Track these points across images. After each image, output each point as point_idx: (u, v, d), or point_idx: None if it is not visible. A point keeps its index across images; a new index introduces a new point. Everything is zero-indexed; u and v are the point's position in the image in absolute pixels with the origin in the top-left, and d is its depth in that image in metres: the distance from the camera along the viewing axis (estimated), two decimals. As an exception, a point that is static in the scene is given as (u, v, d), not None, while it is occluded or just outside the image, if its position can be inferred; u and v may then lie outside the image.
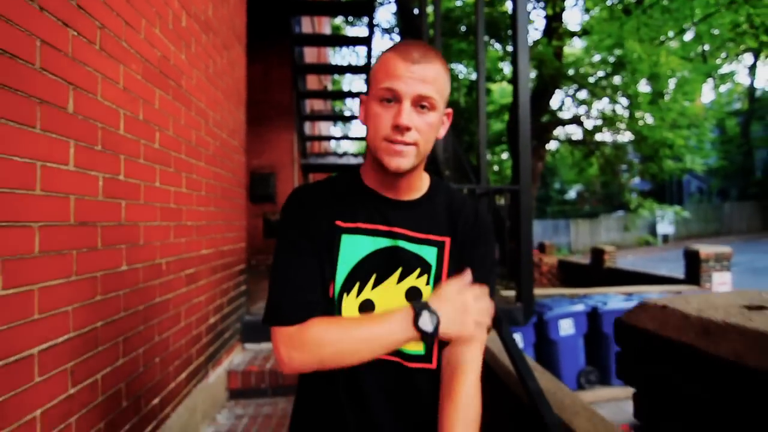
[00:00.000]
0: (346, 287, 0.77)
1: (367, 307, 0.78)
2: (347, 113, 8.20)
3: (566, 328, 5.29)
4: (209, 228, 1.97)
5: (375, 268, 0.78)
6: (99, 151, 1.17)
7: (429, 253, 0.80)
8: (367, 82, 0.75)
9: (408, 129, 0.71)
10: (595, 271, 8.56)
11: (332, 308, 0.77)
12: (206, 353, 1.94)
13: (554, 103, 10.34)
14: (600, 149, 10.29)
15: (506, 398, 1.60)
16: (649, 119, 7.51)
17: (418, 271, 0.79)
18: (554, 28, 7.69)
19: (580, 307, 5.34)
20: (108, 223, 1.21)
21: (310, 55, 5.87)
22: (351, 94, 5.16)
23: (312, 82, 6.56)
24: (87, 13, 1.11)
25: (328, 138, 6.07)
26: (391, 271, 0.78)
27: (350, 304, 0.77)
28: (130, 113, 1.33)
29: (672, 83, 7.96)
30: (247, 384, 2.17)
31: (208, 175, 1.97)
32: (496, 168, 14.96)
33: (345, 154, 5.83)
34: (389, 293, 0.78)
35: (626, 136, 9.69)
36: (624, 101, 8.35)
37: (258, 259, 4.65)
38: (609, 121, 9.29)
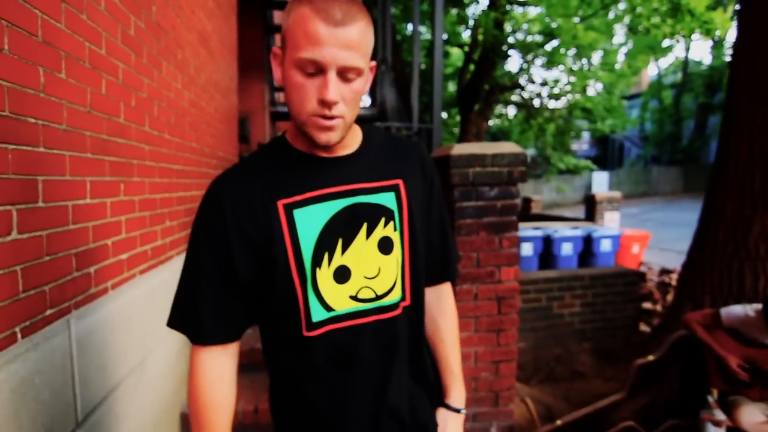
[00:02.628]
0: (316, 261, 0.74)
1: (342, 273, 0.76)
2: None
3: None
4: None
5: (339, 231, 0.75)
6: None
7: (388, 200, 0.78)
8: (282, 36, 0.71)
9: (335, 103, 0.66)
10: (524, 216, 10.08)
11: (295, 297, 0.74)
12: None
13: (512, 68, 11.42)
14: (539, 113, 11.61)
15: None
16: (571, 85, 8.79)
17: (383, 220, 0.77)
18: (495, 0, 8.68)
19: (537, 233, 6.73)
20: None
21: (278, 17, 6.63)
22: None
23: (280, 41, 7.35)
24: None
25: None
26: (356, 229, 0.76)
27: (324, 275, 0.75)
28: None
29: (597, 55, 9.23)
30: None
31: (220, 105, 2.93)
32: (455, 130, 16.04)
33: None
34: (361, 251, 0.76)
35: (561, 102, 10.99)
36: (556, 70, 9.59)
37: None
38: (546, 86, 10.55)
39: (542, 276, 3.27)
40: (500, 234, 1.87)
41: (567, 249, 7.23)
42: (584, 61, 10.51)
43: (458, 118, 16.11)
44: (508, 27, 10.00)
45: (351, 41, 0.64)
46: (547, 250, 7.05)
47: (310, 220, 0.74)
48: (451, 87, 14.35)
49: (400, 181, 0.80)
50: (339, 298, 0.76)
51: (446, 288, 0.93)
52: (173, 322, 0.79)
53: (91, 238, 1.27)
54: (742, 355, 2.18)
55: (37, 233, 1.03)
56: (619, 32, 10.44)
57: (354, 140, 0.80)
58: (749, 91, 2.88)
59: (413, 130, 4.12)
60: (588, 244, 7.19)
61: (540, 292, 3.22)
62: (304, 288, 0.74)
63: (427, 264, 0.86)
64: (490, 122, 18.27)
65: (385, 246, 0.78)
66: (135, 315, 1.55)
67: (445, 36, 10.64)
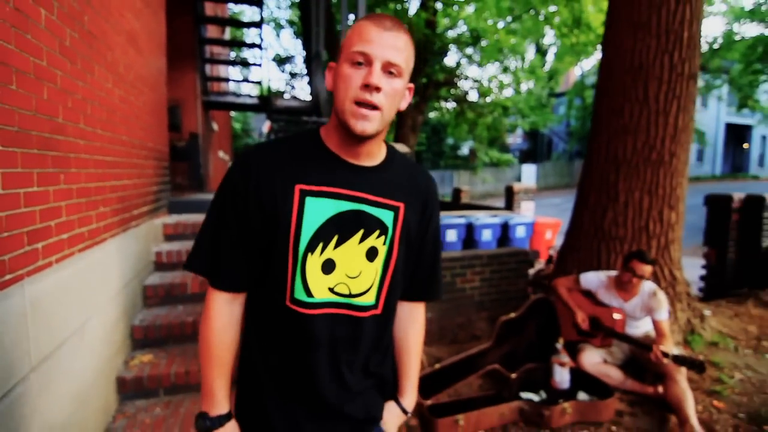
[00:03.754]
0: (311, 247, 0.81)
1: (328, 265, 0.83)
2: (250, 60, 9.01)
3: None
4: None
5: (338, 229, 0.82)
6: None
7: (387, 217, 0.85)
8: (340, 49, 0.84)
9: (378, 89, 0.74)
10: (455, 205, 10.85)
11: (286, 268, 0.82)
12: (153, 206, 3.16)
13: (451, 63, 11.96)
14: (471, 109, 12.40)
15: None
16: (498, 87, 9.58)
17: (377, 232, 0.85)
18: (425, 1, 9.19)
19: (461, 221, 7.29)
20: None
21: (209, 8, 6.65)
22: (245, 44, 6.14)
23: (212, 31, 7.33)
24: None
25: (227, 80, 7.01)
26: (353, 232, 0.83)
27: (313, 262, 0.82)
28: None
29: (525, 56, 10.04)
30: (178, 231, 3.42)
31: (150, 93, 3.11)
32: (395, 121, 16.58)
33: (242, 95, 6.88)
34: (350, 252, 0.84)
35: (488, 99, 11.79)
36: (488, 68, 10.36)
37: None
38: (476, 84, 11.32)
39: (446, 256, 3.79)
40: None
41: (487, 235, 7.99)
42: (510, 62, 11.40)
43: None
44: (446, 21, 10.57)
45: (397, 44, 0.76)
46: (470, 236, 7.78)
47: (318, 211, 0.82)
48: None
49: (402, 205, 0.88)
50: (319, 287, 0.84)
51: (422, 306, 1.04)
52: (194, 265, 0.87)
53: (38, 219, 1.54)
54: (591, 312, 2.80)
55: (-3, 214, 1.30)
56: (549, 34, 11.34)
57: (379, 154, 0.88)
58: (608, 103, 3.55)
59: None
60: (505, 230, 8.00)
61: (445, 269, 3.74)
62: (294, 267, 0.82)
63: (414, 282, 0.98)
64: (432, 115, 19.08)
65: (372, 254, 0.86)
66: (75, 286, 1.81)
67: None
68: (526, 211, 8.50)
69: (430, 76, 10.99)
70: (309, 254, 0.82)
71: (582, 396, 2.49)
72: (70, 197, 1.81)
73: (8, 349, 1.32)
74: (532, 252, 8.03)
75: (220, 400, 0.87)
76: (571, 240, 3.83)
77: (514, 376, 2.58)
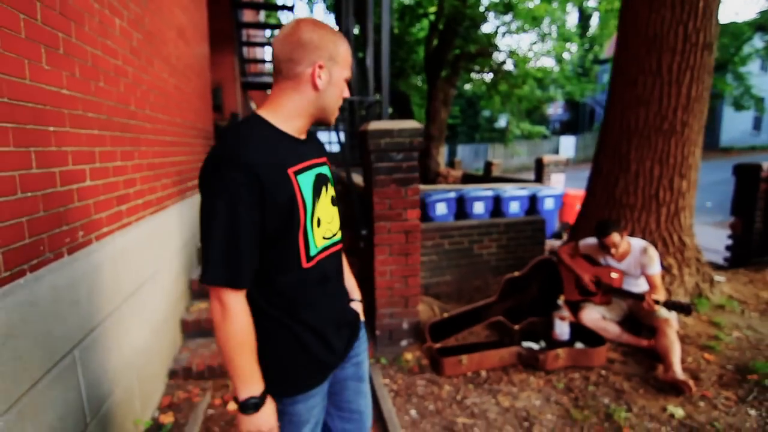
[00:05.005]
0: (311, 214, 1.03)
1: (318, 220, 1.05)
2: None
3: (441, 209, 7.46)
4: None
5: (316, 191, 1.04)
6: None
7: (326, 170, 1.12)
8: (332, 56, 1.02)
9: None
10: (486, 178, 10.93)
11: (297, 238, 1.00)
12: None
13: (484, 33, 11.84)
14: (504, 79, 12.24)
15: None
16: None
17: (329, 184, 1.12)
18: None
19: (451, 195, 7.52)
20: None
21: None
22: (279, 26, 6.47)
23: (248, 15, 7.71)
24: None
25: (263, 61, 7.42)
26: (321, 190, 1.07)
27: (313, 224, 1.03)
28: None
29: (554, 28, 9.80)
30: None
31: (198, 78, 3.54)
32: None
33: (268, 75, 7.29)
34: (324, 205, 1.07)
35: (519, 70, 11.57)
36: (522, 38, 10.14)
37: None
38: (512, 55, 11.15)
39: (465, 224, 4.07)
40: (406, 186, 2.63)
41: (514, 207, 8.15)
42: (548, 29, 11.10)
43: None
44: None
45: None
46: (497, 208, 7.96)
47: (306, 183, 1.01)
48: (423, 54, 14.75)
49: (325, 158, 1.15)
50: (318, 238, 1.07)
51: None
52: (216, 280, 0.93)
53: (121, 187, 1.99)
54: (592, 273, 3.05)
55: (97, 182, 1.74)
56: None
57: None
58: (622, 74, 3.64)
59: (366, 103, 4.78)
60: (533, 202, 8.11)
61: (463, 236, 4.03)
62: (305, 235, 1.02)
63: None
64: (467, 87, 18.85)
65: (333, 201, 1.14)
66: (148, 242, 2.28)
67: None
68: (556, 184, 8.52)
69: (461, 47, 10.92)
70: (311, 220, 1.02)
71: (579, 345, 2.77)
72: (142, 170, 2.26)
73: (107, 283, 1.78)
74: (562, 224, 8.12)
75: (259, 380, 1.00)
76: (585, 209, 4.01)
77: (517, 327, 2.89)
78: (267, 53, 11.77)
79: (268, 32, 12.58)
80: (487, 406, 2.30)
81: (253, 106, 8.45)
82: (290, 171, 0.98)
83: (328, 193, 1.11)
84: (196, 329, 2.80)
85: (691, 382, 2.33)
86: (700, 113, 3.44)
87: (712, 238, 5.25)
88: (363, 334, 1.32)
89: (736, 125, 21.64)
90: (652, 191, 3.50)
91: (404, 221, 2.67)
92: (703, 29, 3.28)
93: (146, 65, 2.36)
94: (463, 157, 21.18)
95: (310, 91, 1.02)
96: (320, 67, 1.00)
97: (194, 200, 3.24)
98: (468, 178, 12.00)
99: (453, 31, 10.07)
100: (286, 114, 1.03)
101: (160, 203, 2.53)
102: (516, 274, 2.99)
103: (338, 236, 1.16)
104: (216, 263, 0.92)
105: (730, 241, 5.17)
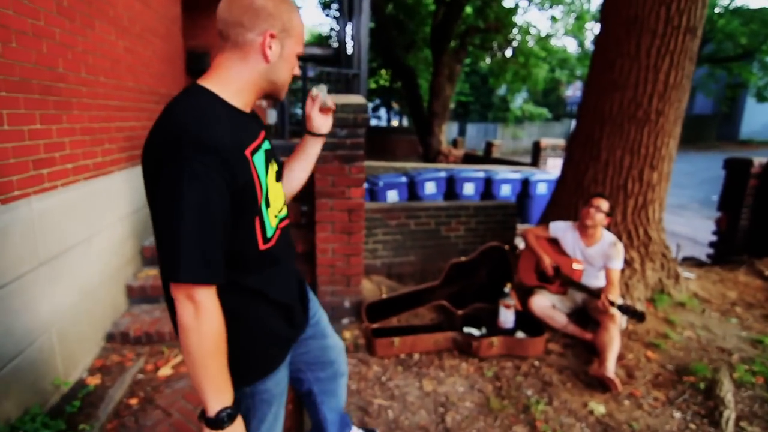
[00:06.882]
0: (265, 194, 0.98)
1: (269, 200, 1.00)
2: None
3: (430, 188, 7.38)
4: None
5: (266, 169, 0.99)
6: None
7: (267, 144, 1.04)
8: (285, 26, 0.95)
9: None
10: (485, 159, 10.74)
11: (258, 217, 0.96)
12: None
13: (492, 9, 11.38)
14: (513, 57, 11.84)
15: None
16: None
17: (273, 159, 1.06)
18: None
19: (442, 174, 7.41)
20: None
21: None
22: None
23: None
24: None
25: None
26: (268, 167, 1.01)
27: (265, 204, 0.98)
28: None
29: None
30: None
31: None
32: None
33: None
34: (271, 183, 1.02)
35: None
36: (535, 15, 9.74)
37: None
38: (522, 31, 10.74)
39: (432, 205, 4.01)
40: (350, 164, 2.57)
41: (506, 190, 8.02)
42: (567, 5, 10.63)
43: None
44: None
45: None
46: (488, 190, 7.83)
47: (259, 163, 0.96)
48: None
49: (264, 131, 1.07)
50: (272, 218, 1.03)
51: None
52: (197, 278, 0.83)
53: (42, 150, 1.98)
54: (555, 259, 2.99)
55: (5, 145, 1.73)
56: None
57: None
58: (601, 57, 3.46)
59: (348, 76, 4.67)
60: (526, 186, 7.96)
61: (430, 217, 3.98)
62: (262, 214, 0.97)
63: None
64: (481, 64, 18.31)
65: (278, 177, 1.08)
66: (81, 206, 2.29)
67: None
68: (553, 168, 8.33)
69: (468, 22, 10.54)
70: (265, 200, 0.98)
71: (519, 335, 2.75)
72: (73, 134, 2.24)
73: (18, 246, 1.80)
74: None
75: (231, 388, 0.92)
76: (555, 196, 3.91)
77: (460, 312, 2.87)
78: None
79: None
80: (409, 389, 2.31)
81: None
82: (247, 152, 0.92)
83: (273, 168, 1.05)
84: (141, 295, 2.84)
85: (617, 381, 2.30)
86: (678, 102, 3.28)
87: (710, 232, 5.12)
88: (310, 294, 1.34)
89: (758, 117, 20.75)
90: (620, 181, 3.38)
91: (347, 199, 2.63)
92: (686, 11, 3.08)
93: (82, 27, 2.30)
94: (473, 136, 20.80)
95: (261, 63, 0.95)
96: (272, 36, 0.94)
97: (150, 167, 3.23)
98: (469, 158, 11.82)
99: (459, 4, 9.70)
100: (235, 87, 0.95)
101: (100, 168, 2.52)
102: (462, 259, 2.95)
103: (285, 211, 1.13)
104: (190, 258, 0.82)
105: (714, 237, 5.02)
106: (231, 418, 0.90)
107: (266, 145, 1.04)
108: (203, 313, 0.85)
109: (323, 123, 1.26)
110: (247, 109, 0.99)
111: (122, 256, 2.78)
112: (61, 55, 2.12)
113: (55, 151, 2.08)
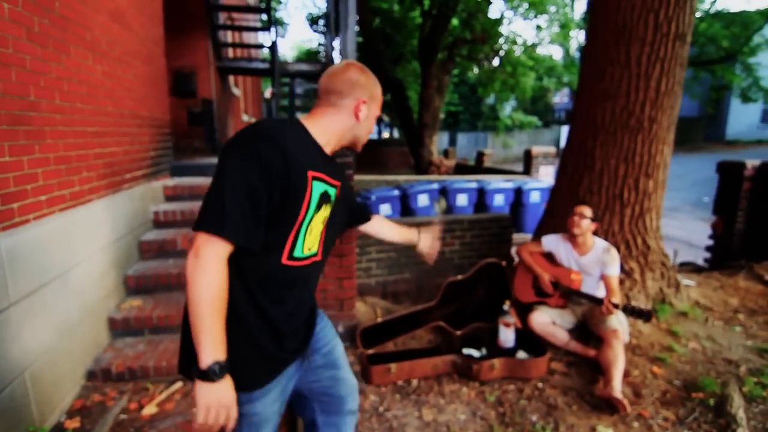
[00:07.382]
0: (310, 218, 1.09)
1: (309, 232, 1.11)
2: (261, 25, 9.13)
3: (423, 200, 7.31)
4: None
5: (318, 205, 1.10)
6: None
7: (333, 193, 1.18)
8: (371, 95, 1.18)
9: None
10: (477, 169, 10.72)
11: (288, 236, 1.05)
12: (150, 169, 3.52)
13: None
14: (500, 66, 11.91)
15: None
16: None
17: (329, 205, 1.16)
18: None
19: (434, 186, 7.35)
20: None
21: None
22: (259, 10, 6.23)
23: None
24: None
25: (241, 45, 7.20)
26: (321, 207, 1.12)
27: (306, 230, 1.09)
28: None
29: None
30: (177, 192, 3.79)
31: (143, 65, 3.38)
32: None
33: (255, 59, 7.07)
34: (317, 220, 1.12)
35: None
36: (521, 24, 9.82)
37: (185, 143, 6.01)
38: (508, 41, 10.81)
39: (426, 220, 3.93)
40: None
41: (499, 199, 7.96)
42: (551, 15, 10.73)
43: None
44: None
45: None
46: (481, 200, 7.77)
47: (317, 191, 1.09)
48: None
49: (339, 184, 1.20)
50: (305, 246, 1.12)
51: (374, 217, 1.55)
52: (204, 225, 0.95)
53: (11, 183, 1.87)
54: (551, 273, 2.91)
55: (-35, 181, 1.62)
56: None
57: None
58: (591, 66, 3.43)
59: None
60: (519, 195, 7.91)
61: (424, 232, 3.90)
62: (296, 234, 1.07)
63: (354, 215, 1.47)
64: (470, 74, 18.46)
65: (323, 222, 1.18)
66: (56, 239, 2.17)
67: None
68: (545, 176, 8.32)
69: (455, 33, 10.61)
70: (307, 226, 1.09)
71: (521, 354, 2.65)
72: (47, 164, 2.13)
73: (-16, 287, 1.68)
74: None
75: (225, 348, 0.98)
76: (550, 206, 3.85)
77: (459, 333, 2.77)
78: (259, 37, 11.50)
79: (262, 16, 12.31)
80: (408, 420, 2.20)
81: (236, 91, 8.27)
82: (310, 173, 1.06)
83: (325, 209, 1.15)
84: (125, 327, 2.71)
85: (625, 402, 2.20)
86: (670, 109, 3.24)
87: (704, 234, 5.08)
88: (327, 323, 1.40)
89: (743, 118, 21.06)
90: (616, 191, 3.33)
91: (338, 221, 2.54)
92: (675, 18, 3.06)
93: (56, 53, 2.21)
94: (463, 146, 20.85)
95: (351, 120, 1.16)
96: (364, 102, 1.16)
97: (132, 193, 3.12)
98: (461, 168, 11.82)
99: (446, 17, 9.76)
100: (323, 128, 1.14)
101: (77, 198, 2.41)
102: (459, 277, 2.85)
103: (315, 250, 1.18)
104: (211, 210, 0.96)
105: (711, 242, 4.99)
106: (222, 372, 0.96)
107: (330, 189, 1.15)
108: (202, 265, 0.94)
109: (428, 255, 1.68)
110: (327, 149, 1.16)
111: (104, 288, 2.66)
112: (32, 82, 2.02)
113: (26, 184, 1.97)
